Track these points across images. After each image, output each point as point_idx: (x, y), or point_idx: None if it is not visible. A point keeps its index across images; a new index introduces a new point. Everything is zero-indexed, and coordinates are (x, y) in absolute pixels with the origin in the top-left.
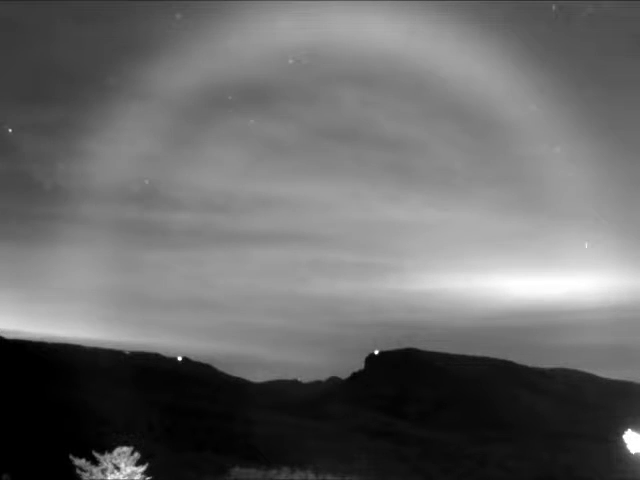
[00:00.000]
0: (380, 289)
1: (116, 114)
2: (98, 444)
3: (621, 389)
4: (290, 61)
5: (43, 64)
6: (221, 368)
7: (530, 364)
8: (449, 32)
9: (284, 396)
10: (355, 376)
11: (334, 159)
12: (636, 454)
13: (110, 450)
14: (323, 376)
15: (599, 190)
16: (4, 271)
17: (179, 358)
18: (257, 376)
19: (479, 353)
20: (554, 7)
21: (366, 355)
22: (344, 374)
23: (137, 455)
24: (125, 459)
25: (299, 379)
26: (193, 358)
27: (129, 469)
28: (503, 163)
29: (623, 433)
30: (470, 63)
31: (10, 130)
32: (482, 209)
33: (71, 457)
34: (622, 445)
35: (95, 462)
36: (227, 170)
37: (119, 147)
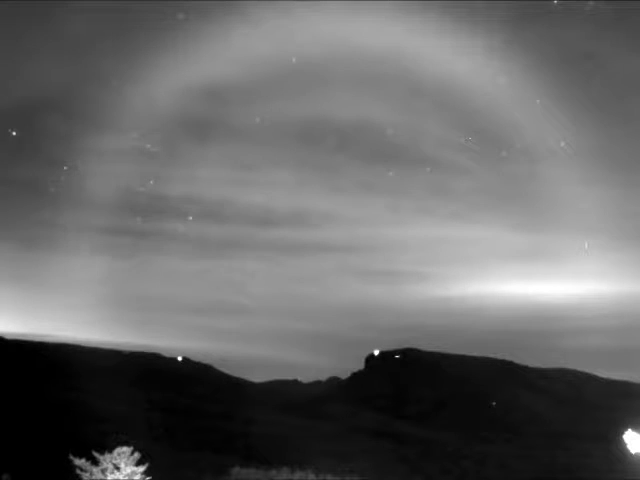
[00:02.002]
0: (404, 295)
1: (124, 117)
2: (98, 444)
3: (621, 389)
4: (293, 60)
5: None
6: (221, 368)
7: (530, 364)
8: (468, 45)
9: (284, 396)
10: (355, 376)
11: (370, 177)
12: (636, 454)
13: (110, 450)
14: (323, 376)
15: (608, 207)
16: (5, 271)
17: (179, 358)
18: (257, 376)
19: (479, 353)
20: (555, 1)
21: (366, 355)
22: (344, 374)
23: (137, 455)
24: (125, 459)
25: (299, 379)
26: (193, 358)
27: (129, 469)
28: (525, 183)
29: (623, 433)
30: (502, 88)
31: (14, 133)
32: (504, 223)
33: (71, 457)
34: (622, 445)
35: (95, 462)
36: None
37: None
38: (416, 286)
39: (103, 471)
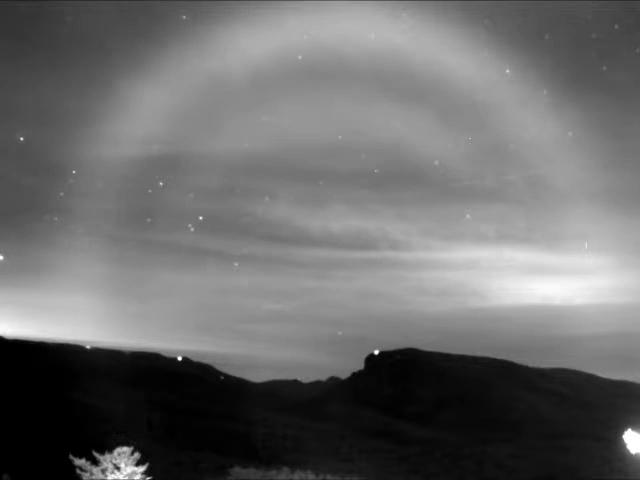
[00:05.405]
0: (454, 306)
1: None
2: (98, 444)
3: (621, 389)
4: (299, 57)
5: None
6: (221, 368)
7: (530, 364)
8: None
9: (284, 396)
10: (355, 376)
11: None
12: (636, 454)
13: (110, 450)
14: (323, 376)
15: (625, 233)
16: (5, 271)
17: (179, 358)
18: (257, 376)
19: (479, 353)
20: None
21: (367, 355)
22: (344, 374)
23: (137, 455)
24: (125, 459)
25: (299, 379)
26: (193, 358)
27: (129, 469)
28: (557, 214)
29: (623, 433)
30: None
31: (22, 139)
32: (537, 247)
33: (71, 457)
34: (622, 445)
35: (95, 462)
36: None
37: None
38: (457, 298)
39: (103, 471)
